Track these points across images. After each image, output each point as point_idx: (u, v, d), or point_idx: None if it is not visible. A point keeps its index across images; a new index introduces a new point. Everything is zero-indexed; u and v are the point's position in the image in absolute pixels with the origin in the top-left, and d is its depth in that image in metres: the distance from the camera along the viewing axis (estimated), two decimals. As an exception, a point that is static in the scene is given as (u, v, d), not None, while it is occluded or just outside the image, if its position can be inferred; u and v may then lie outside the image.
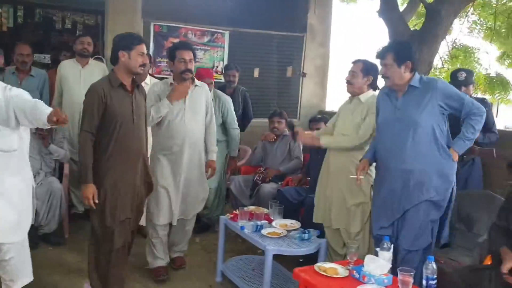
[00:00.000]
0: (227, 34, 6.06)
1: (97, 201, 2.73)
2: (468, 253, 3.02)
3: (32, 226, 2.78)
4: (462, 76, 3.75)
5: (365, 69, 3.14)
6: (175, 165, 3.33)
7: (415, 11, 6.46)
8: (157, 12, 5.60)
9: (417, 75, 2.76)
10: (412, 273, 2.21)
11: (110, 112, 2.73)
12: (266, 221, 3.34)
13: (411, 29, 5.42)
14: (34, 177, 3.03)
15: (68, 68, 4.40)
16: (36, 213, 3.24)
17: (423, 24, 4.86)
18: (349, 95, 3.30)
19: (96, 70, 4.38)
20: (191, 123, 3.35)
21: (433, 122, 2.67)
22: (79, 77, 4.33)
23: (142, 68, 2.85)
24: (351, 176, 2.95)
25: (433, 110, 2.66)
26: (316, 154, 3.85)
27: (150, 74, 4.42)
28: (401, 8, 5.99)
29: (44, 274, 3.31)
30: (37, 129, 3.56)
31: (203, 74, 4.10)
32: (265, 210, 3.52)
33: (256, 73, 6.17)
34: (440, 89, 2.67)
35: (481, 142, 3.50)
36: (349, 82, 3.19)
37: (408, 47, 2.82)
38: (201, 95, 3.46)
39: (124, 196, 2.83)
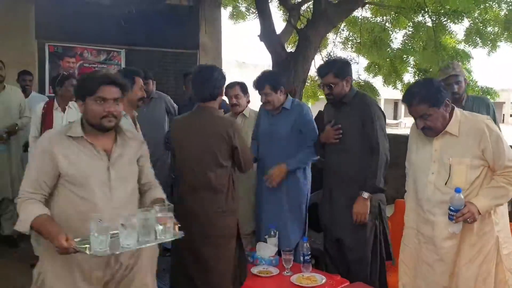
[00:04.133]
0: (123, 52, 6.35)
1: None
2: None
3: None
4: None
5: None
6: None
7: (291, 33, 7.27)
8: (51, 32, 5.72)
9: (289, 98, 3.33)
10: (291, 252, 2.80)
11: None
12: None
13: (290, 48, 6.17)
14: None
15: None
16: None
17: (296, 46, 5.60)
18: None
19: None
20: None
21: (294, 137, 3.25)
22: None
23: None
24: None
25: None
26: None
27: None
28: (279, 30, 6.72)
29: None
30: None
31: None
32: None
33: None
34: (303, 114, 3.24)
35: None
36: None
37: (280, 77, 3.40)
38: None
39: None
